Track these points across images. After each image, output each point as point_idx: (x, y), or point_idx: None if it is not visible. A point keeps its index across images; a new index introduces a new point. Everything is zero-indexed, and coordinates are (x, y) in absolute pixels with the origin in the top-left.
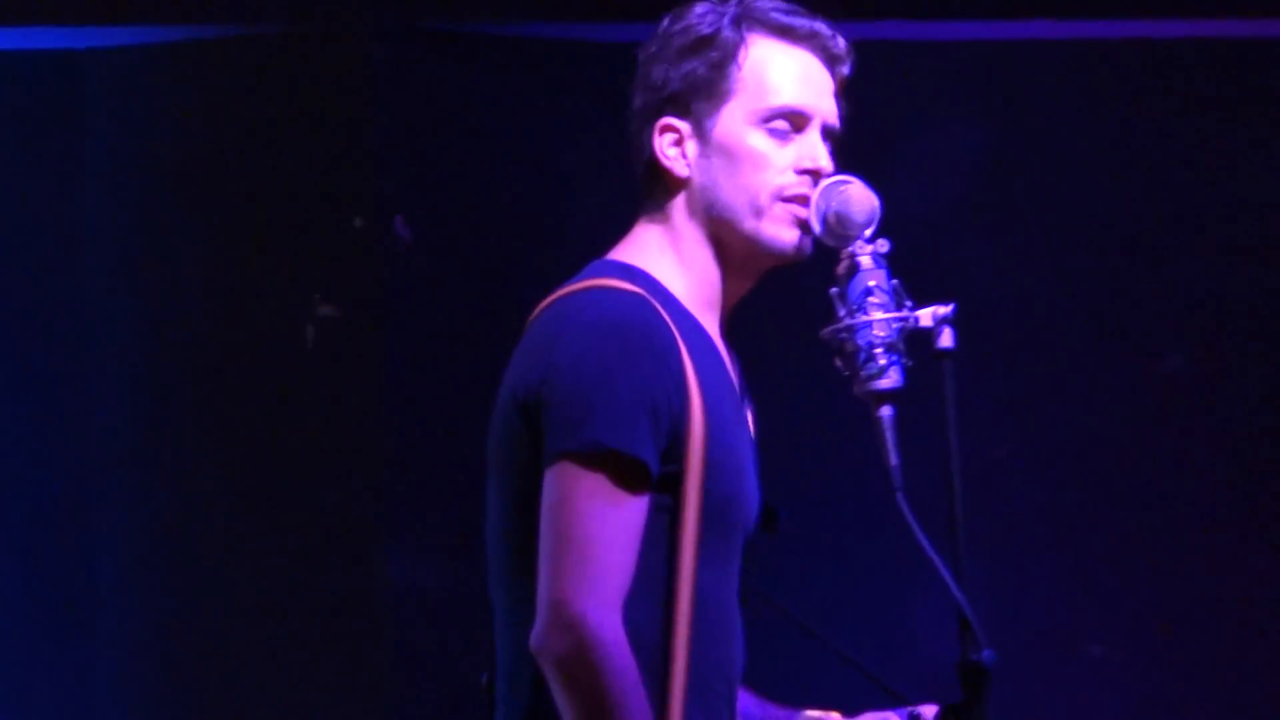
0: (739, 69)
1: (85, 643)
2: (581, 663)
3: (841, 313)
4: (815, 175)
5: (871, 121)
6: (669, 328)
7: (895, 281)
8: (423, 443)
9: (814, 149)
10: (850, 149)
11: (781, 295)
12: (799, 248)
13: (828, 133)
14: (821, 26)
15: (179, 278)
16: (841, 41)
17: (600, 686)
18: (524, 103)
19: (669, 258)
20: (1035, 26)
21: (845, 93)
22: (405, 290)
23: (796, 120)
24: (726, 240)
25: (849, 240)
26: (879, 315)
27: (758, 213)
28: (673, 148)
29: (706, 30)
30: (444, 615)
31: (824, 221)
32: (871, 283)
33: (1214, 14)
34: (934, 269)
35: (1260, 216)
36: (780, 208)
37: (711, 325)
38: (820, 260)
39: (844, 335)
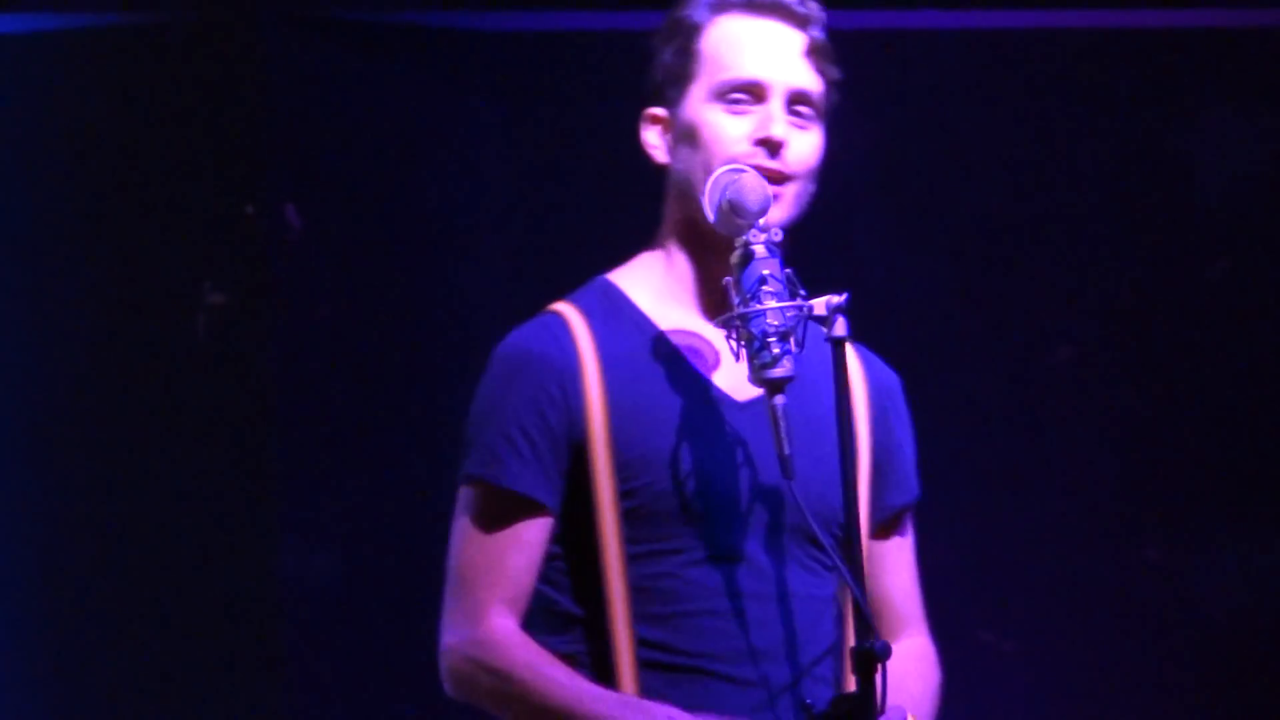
0: (700, 50)
1: None
2: (461, 685)
3: (735, 301)
4: (770, 144)
5: None
6: (562, 345)
7: (789, 270)
8: (314, 432)
9: (770, 118)
10: None
11: None
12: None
13: (798, 99)
14: None
15: (68, 265)
16: (810, 4)
17: (489, 689)
18: (416, 91)
19: (653, 255)
20: (925, 16)
21: (825, 54)
22: (296, 279)
23: (754, 91)
24: (701, 220)
25: (743, 229)
26: (773, 304)
27: None
28: (656, 136)
29: (676, 17)
30: (337, 607)
31: (717, 210)
32: (765, 271)
33: (1105, 4)
34: (828, 258)
35: (1152, 208)
36: None
37: (689, 316)
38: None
39: (738, 324)
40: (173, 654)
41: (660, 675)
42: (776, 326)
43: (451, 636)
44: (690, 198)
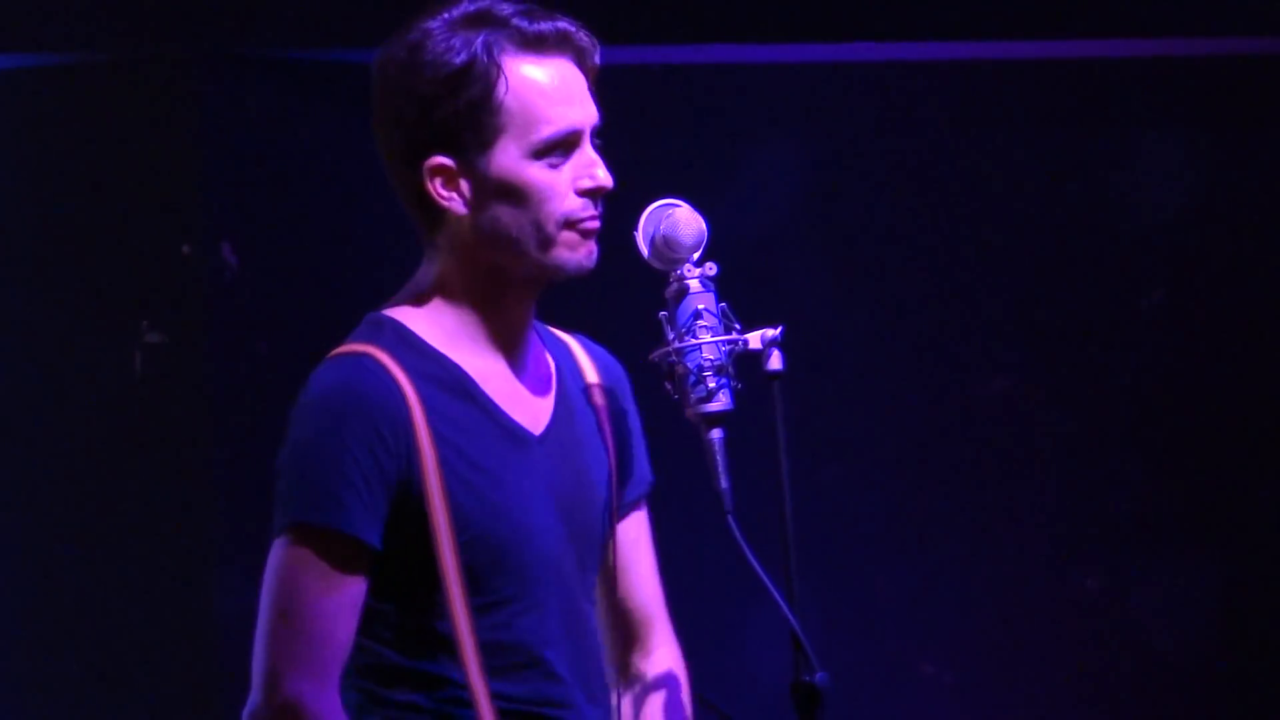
0: (503, 103)
1: None
2: None
3: (670, 336)
4: (595, 192)
5: (696, 144)
6: (389, 388)
7: (723, 304)
8: (251, 469)
9: (589, 165)
10: (676, 172)
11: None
12: (589, 264)
13: (595, 132)
14: (566, 25)
15: (4, 303)
16: (584, 35)
17: None
18: (351, 130)
19: (436, 297)
20: (858, 49)
21: (600, 76)
22: (232, 317)
23: (570, 141)
24: (512, 268)
25: (677, 263)
26: (708, 338)
27: (546, 243)
28: (446, 188)
29: (459, 62)
30: None
31: (651, 244)
32: (700, 306)
33: (1038, 35)
34: (762, 291)
35: (1087, 238)
36: (568, 234)
37: (481, 356)
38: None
39: (673, 359)
40: (110, 691)
41: None
42: (712, 361)
43: (296, 683)
44: (509, 253)
